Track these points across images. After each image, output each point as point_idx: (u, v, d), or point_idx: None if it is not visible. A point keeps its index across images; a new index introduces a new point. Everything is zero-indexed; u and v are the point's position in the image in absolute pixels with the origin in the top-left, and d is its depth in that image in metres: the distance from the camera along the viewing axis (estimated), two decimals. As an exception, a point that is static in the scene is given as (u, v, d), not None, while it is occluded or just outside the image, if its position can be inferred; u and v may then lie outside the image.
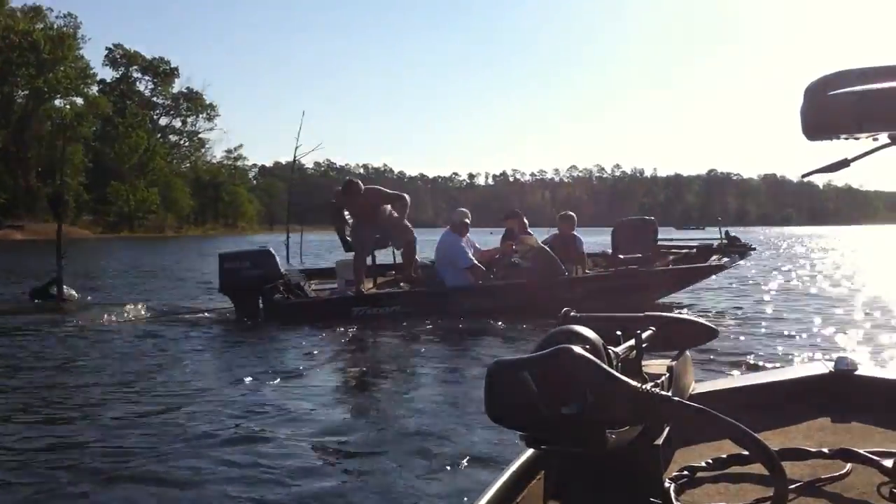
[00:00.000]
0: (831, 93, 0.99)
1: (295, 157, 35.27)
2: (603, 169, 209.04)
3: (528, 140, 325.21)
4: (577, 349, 0.99)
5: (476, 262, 10.38)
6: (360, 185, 10.55)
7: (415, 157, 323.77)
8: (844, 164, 1.10)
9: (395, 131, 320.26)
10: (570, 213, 11.49)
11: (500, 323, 9.20)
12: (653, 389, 1.03)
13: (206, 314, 10.78)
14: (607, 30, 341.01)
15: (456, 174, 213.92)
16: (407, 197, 10.88)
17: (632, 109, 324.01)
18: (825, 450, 1.40)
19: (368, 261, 10.62)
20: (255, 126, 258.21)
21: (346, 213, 10.56)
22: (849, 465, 1.36)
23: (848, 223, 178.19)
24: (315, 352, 7.86)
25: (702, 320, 1.72)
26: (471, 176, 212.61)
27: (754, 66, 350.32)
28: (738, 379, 2.01)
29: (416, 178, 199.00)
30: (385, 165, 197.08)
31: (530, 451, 1.31)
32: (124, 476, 3.98)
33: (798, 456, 1.39)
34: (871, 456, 1.36)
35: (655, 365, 1.47)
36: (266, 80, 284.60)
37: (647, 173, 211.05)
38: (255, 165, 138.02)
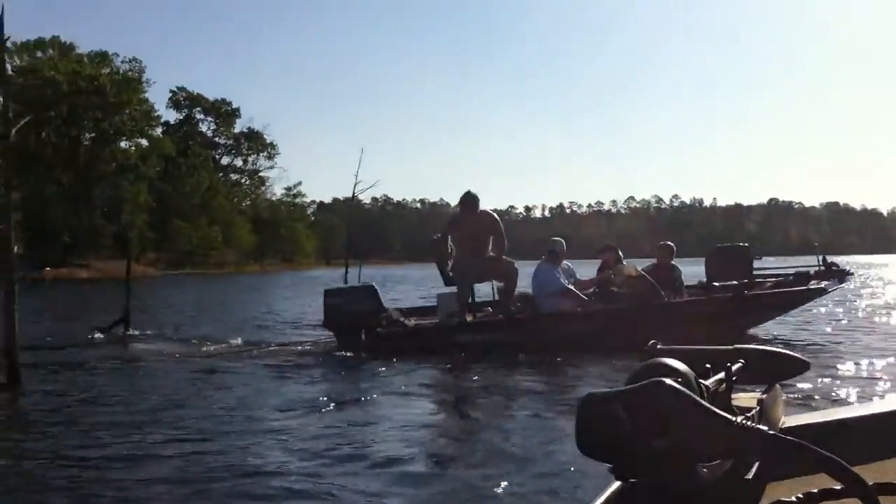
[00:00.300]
0: None
1: (354, 192, 35.36)
2: (661, 199, 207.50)
3: (585, 172, 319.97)
4: (670, 382, 1.00)
5: (570, 287, 10.47)
6: (478, 199, 10.83)
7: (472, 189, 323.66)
8: None
9: (451, 165, 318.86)
10: (669, 242, 11.64)
11: (594, 354, 9.24)
12: (747, 423, 1.02)
13: (307, 347, 11.20)
14: (662, 58, 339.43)
15: (512, 207, 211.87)
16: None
17: (692, 139, 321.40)
18: None
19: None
20: (314, 163, 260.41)
21: (451, 244, 10.80)
22: None
23: None
24: (414, 382, 8.22)
25: (793, 353, 1.71)
26: (527, 209, 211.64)
27: (815, 92, 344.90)
28: (829, 413, 1.93)
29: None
30: (442, 199, 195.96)
31: (617, 485, 1.28)
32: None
33: (894, 491, 1.33)
34: None
35: (745, 398, 1.47)
36: (325, 116, 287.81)
37: (707, 203, 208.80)
38: (313, 202, 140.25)
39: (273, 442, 5.68)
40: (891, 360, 8.68)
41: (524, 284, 11.21)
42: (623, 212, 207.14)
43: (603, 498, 1.26)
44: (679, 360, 1.16)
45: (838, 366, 8.18)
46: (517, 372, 8.79)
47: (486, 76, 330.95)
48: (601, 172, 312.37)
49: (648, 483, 1.06)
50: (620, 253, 11.59)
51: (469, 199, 10.77)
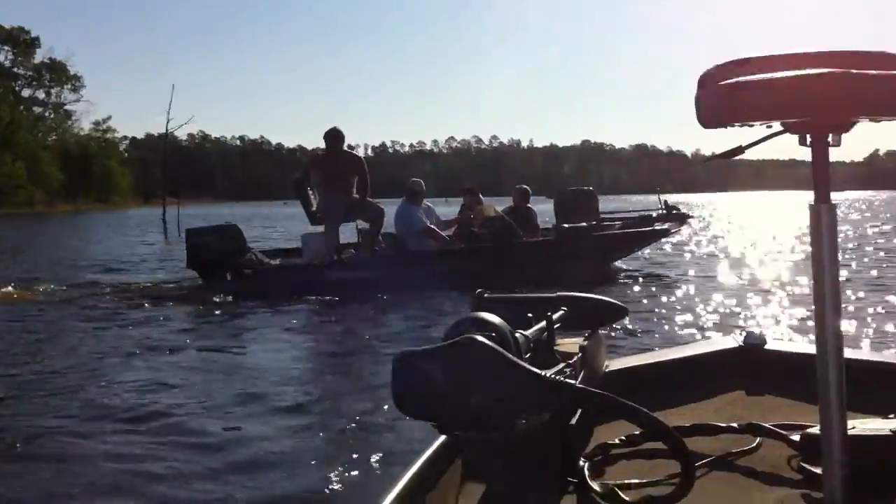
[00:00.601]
0: (727, 82, 0.99)
1: (167, 130, 32.79)
2: (481, 140, 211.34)
3: (406, 112, 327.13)
4: (482, 339, 1.01)
5: (432, 226, 10.59)
6: (343, 136, 10.59)
7: (292, 129, 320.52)
8: (740, 150, 1.12)
9: (271, 103, 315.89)
10: (525, 186, 12.04)
11: (461, 292, 9.06)
12: (555, 377, 1.05)
13: (170, 287, 10.87)
14: (479, 4, 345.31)
15: None
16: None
17: (506, 82, 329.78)
18: (735, 424, 1.43)
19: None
20: (125, 98, 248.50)
21: (314, 182, 10.61)
22: (758, 439, 1.40)
23: (716, 190, 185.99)
24: (281, 324, 8.07)
25: (612, 300, 1.74)
26: (350, 147, 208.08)
27: (625, 41, 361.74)
28: (651, 355, 2.02)
29: (294, 150, 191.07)
30: (262, 137, 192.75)
31: (442, 438, 1.30)
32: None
33: (709, 431, 1.41)
34: (778, 430, 1.40)
35: (568, 344, 1.49)
36: (133, 50, 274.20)
37: (524, 144, 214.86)
38: (125, 138, 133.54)
39: (135, 385, 5.53)
40: (710, 301, 8.89)
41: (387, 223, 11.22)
42: (445, 152, 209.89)
43: (429, 452, 1.30)
44: (504, 309, 1.19)
45: (662, 308, 8.37)
46: (387, 311, 8.79)
47: (302, 19, 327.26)
48: (423, 114, 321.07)
49: (473, 435, 1.07)
50: (480, 195, 11.83)
51: (334, 136, 10.52)
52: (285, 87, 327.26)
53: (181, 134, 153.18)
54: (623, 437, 1.34)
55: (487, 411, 0.98)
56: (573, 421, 1.21)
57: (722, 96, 0.99)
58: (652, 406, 1.14)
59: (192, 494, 3.53)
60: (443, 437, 1.28)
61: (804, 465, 1.29)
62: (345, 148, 10.87)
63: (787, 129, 1.02)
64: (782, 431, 1.39)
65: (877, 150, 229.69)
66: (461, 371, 0.98)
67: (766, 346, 1.86)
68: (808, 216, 1.03)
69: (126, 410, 4.83)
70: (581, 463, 1.23)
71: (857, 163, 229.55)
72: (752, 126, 1.02)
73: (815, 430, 1.19)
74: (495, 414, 0.99)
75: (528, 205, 11.84)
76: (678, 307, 8.50)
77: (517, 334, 1.17)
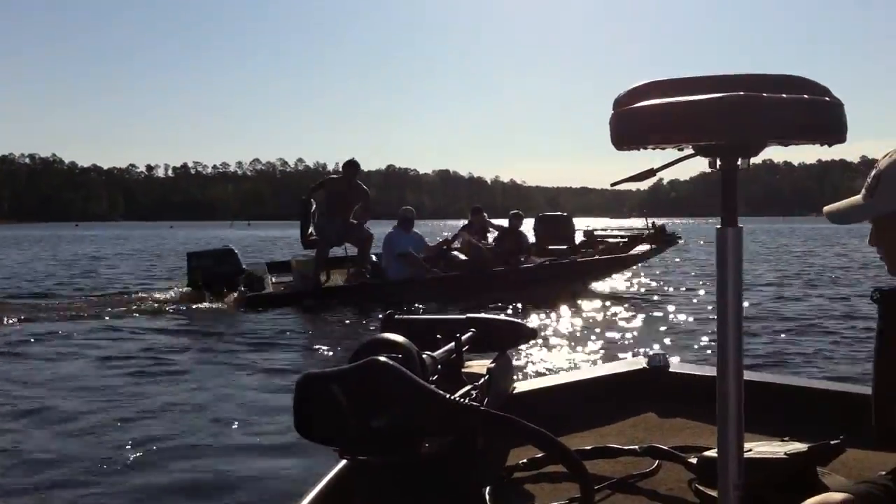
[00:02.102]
0: (639, 104, 0.98)
1: None
2: (286, 163, 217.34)
3: (208, 132, 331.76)
4: (386, 360, 1.01)
5: (410, 251, 11.04)
6: (359, 165, 11.52)
7: (87, 147, 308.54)
8: (651, 173, 1.11)
9: (65, 120, 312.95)
10: (520, 211, 12.52)
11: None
12: (459, 399, 1.06)
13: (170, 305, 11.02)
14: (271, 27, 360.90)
15: (133, 166, 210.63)
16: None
17: (314, 104, 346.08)
18: (635, 447, 1.48)
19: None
20: None
21: (315, 205, 11.28)
22: (657, 462, 1.45)
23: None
24: (270, 335, 8.46)
25: (522, 321, 1.81)
26: (149, 168, 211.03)
27: (430, 67, 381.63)
28: (557, 377, 2.07)
29: (89, 170, 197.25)
30: (54, 156, 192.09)
31: (343, 463, 1.30)
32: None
33: (610, 454, 1.46)
34: (677, 453, 1.45)
35: (477, 366, 1.53)
36: None
37: (330, 167, 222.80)
38: None
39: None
40: (611, 324, 8.87)
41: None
42: (249, 174, 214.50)
43: (328, 478, 1.33)
44: (414, 329, 1.26)
45: (569, 331, 8.25)
46: (359, 329, 8.81)
47: (96, 32, 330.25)
48: (227, 135, 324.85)
49: (375, 459, 1.09)
50: (486, 215, 12.57)
51: (354, 165, 11.33)
52: (80, 103, 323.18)
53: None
54: (526, 461, 1.38)
55: (390, 434, 0.98)
56: (477, 444, 1.20)
57: (633, 119, 0.99)
58: (557, 428, 1.16)
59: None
60: (343, 462, 1.28)
61: (700, 487, 1.33)
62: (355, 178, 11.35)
63: (698, 151, 1.02)
64: (681, 454, 1.43)
65: (661, 179, 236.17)
66: (365, 393, 0.98)
67: (670, 369, 1.91)
68: (716, 238, 1.01)
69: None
70: (484, 487, 1.25)
71: (643, 191, 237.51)
72: (664, 149, 1.02)
73: (712, 452, 1.21)
74: (398, 437, 0.99)
75: (521, 228, 12.30)
76: (588, 328, 8.40)
77: (424, 355, 1.17)
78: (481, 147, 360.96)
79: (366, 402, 0.99)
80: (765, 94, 0.93)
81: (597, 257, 12.00)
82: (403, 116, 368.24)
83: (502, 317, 1.85)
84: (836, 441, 1.37)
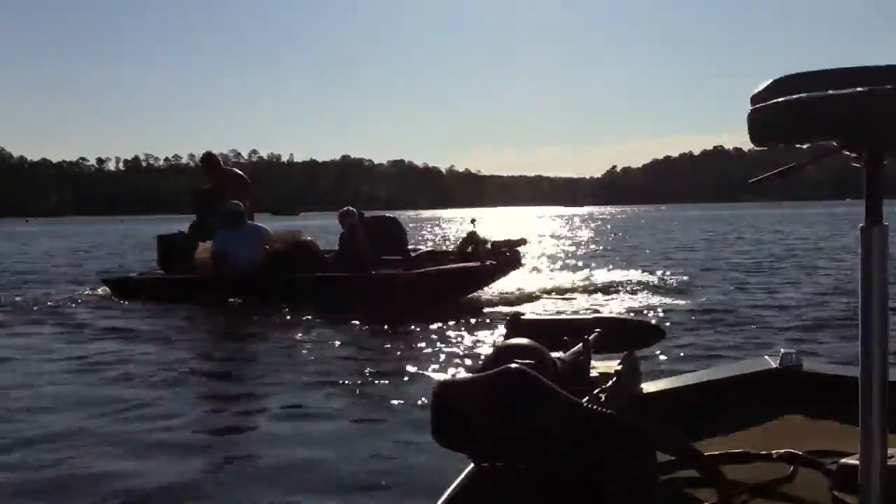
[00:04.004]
0: (782, 99, 0.97)
1: None
2: (240, 154, 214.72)
3: (160, 124, 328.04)
4: (523, 368, 1.01)
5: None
6: (219, 159, 11.03)
7: (34, 140, 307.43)
8: (792, 170, 1.09)
9: (12, 112, 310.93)
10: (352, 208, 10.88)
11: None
12: (596, 408, 1.04)
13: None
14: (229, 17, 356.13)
15: (84, 159, 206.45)
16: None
17: (270, 94, 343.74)
18: (770, 452, 1.40)
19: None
20: None
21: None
22: (792, 468, 1.37)
23: (468, 206, 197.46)
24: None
25: (649, 321, 1.81)
26: (100, 161, 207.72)
27: (385, 56, 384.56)
28: (684, 378, 1.98)
29: (37, 164, 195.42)
30: (2, 150, 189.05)
31: (472, 468, 1.28)
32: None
33: (744, 459, 1.39)
34: (814, 458, 1.37)
35: (603, 367, 1.48)
36: None
37: (284, 158, 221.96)
38: None
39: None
40: (736, 320, 8.01)
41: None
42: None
43: (459, 481, 1.29)
44: (538, 332, 1.24)
45: (692, 329, 7.59)
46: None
47: (37, 22, 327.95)
48: (178, 126, 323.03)
49: (505, 466, 1.08)
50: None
51: (209, 160, 11.00)
52: (27, 95, 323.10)
53: None
54: (660, 464, 1.33)
55: (526, 442, 0.99)
56: (608, 450, 1.16)
57: (776, 114, 0.97)
58: (686, 432, 1.22)
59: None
60: (473, 467, 1.25)
61: (839, 495, 1.26)
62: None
63: (842, 147, 0.98)
64: (818, 460, 1.37)
65: (614, 167, 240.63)
66: (501, 401, 0.98)
67: (804, 369, 1.83)
68: (860, 237, 0.98)
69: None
70: (619, 493, 1.21)
71: (596, 178, 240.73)
72: (805, 145, 0.99)
73: (852, 458, 1.17)
74: (534, 445, 1.00)
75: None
76: (709, 326, 7.75)
77: (555, 358, 1.17)
78: (436, 137, 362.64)
79: (502, 409, 0.99)
80: None
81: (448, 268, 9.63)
82: (358, 106, 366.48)
83: (631, 316, 1.81)
84: None
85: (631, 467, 1.28)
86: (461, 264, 9.60)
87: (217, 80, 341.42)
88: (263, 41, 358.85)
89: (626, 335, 1.63)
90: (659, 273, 12.55)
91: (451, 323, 7.79)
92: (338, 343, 6.97)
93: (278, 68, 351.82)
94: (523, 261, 10.37)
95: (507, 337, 1.26)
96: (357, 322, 8.05)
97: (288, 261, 9.67)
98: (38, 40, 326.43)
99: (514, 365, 1.03)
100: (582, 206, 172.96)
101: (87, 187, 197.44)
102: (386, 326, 7.81)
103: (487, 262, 9.44)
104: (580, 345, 1.34)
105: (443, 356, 6.17)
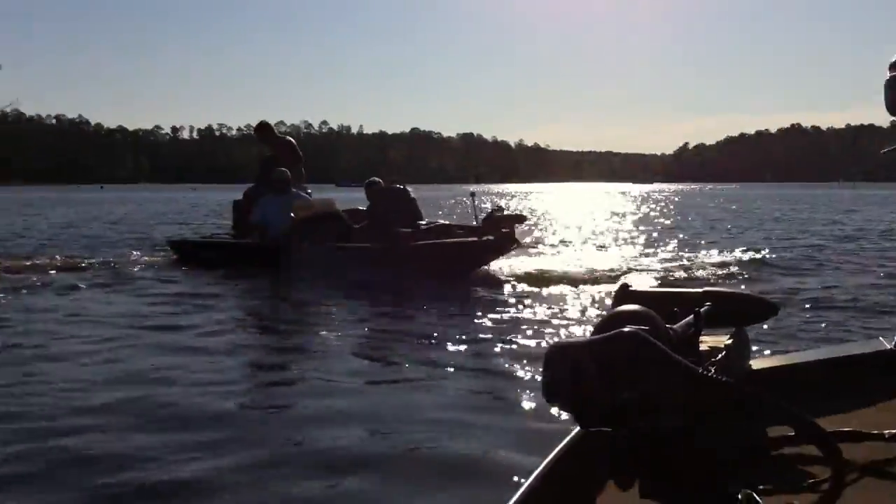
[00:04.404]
0: None
1: None
2: (311, 125, 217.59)
3: (233, 94, 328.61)
4: (641, 332, 1.00)
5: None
6: (273, 127, 11.31)
7: (113, 109, 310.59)
8: None
9: (91, 81, 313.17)
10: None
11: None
12: (713, 374, 1.04)
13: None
14: None
15: (158, 127, 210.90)
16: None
17: (340, 66, 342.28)
18: (884, 433, 1.35)
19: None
20: None
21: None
22: None
23: (535, 181, 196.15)
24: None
25: (763, 296, 1.69)
26: (174, 129, 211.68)
27: (456, 31, 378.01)
28: (794, 356, 1.93)
29: (115, 132, 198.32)
30: (81, 117, 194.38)
31: (578, 431, 1.28)
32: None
33: (856, 438, 1.35)
34: None
35: (712, 342, 1.47)
36: None
37: (354, 130, 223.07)
38: None
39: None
40: (848, 299, 7.81)
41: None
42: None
43: (563, 445, 1.31)
44: (648, 302, 1.20)
45: (799, 306, 7.42)
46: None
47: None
48: (250, 97, 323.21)
49: (611, 431, 1.06)
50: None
51: (265, 128, 11.35)
52: (106, 65, 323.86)
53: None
54: (772, 438, 1.31)
55: (637, 407, 0.98)
56: (718, 420, 1.13)
57: None
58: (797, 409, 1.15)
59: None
60: (579, 431, 1.26)
61: None
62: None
63: None
64: None
65: (686, 144, 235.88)
66: (615, 364, 0.97)
67: None
68: None
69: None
70: (728, 463, 1.19)
71: (667, 155, 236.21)
72: None
73: None
74: (645, 410, 0.99)
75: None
76: (820, 304, 7.58)
77: (668, 328, 1.16)
78: (506, 110, 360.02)
79: (616, 372, 0.97)
80: None
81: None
82: (428, 79, 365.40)
83: (742, 291, 1.79)
84: None
85: (743, 439, 1.27)
86: (451, 239, 9.41)
87: (289, 51, 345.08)
88: (333, 14, 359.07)
89: (737, 310, 1.58)
90: (765, 251, 12.41)
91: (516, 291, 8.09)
92: (378, 316, 7.17)
93: (350, 40, 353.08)
94: (530, 239, 10.27)
95: (614, 307, 1.22)
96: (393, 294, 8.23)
97: (310, 230, 9.65)
98: (116, 13, 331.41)
99: (633, 328, 1.02)
100: (652, 182, 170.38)
101: (162, 156, 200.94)
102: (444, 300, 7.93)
103: (484, 238, 9.04)
104: (690, 317, 1.30)
105: (524, 327, 6.33)
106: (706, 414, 1.07)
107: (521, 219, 9.75)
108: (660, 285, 1.65)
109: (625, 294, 1.45)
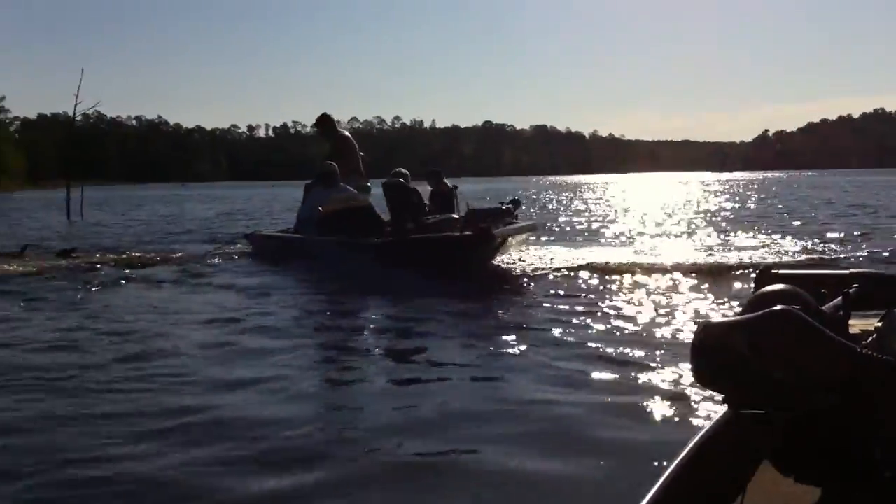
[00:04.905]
0: None
1: (75, 114, 30.75)
2: (384, 121, 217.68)
3: (308, 92, 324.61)
4: (796, 311, 0.96)
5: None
6: (333, 121, 11.52)
7: (191, 109, 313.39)
8: None
9: (170, 83, 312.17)
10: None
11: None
12: (871, 353, 0.99)
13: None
14: None
15: (235, 126, 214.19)
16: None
17: (408, 63, 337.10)
18: None
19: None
20: (19, 79, 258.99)
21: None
22: None
23: (612, 171, 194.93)
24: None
25: None
26: (251, 128, 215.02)
27: (527, 23, 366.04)
28: None
29: (193, 131, 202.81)
30: (160, 117, 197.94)
31: (725, 412, 1.25)
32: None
33: None
34: None
35: (860, 325, 1.39)
36: (33, 32, 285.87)
37: (427, 124, 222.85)
38: (17, 119, 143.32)
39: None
40: None
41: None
42: (347, 132, 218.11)
43: (710, 426, 1.30)
44: (794, 284, 1.17)
45: None
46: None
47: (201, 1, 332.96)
48: (323, 95, 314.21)
49: (758, 412, 1.02)
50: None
51: (326, 121, 11.68)
52: (185, 67, 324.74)
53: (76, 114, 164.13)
54: None
55: (791, 387, 0.94)
56: (874, 404, 1.08)
57: None
58: None
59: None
60: (727, 412, 1.22)
61: None
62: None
63: None
64: None
65: (766, 131, 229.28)
66: (769, 343, 0.94)
67: None
68: None
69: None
70: (876, 445, 1.13)
71: (747, 143, 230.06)
72: None
73: None
74: (796, 388, 0.95)
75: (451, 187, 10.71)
76: None
77: (819, 309, 1.12)
78: (580, 101, 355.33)
79: (769, 352, 0.94)
80: None
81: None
82: (500, 72, 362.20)
83: (890, 272, 1.68)
84: None
85: None
86: (429, 235, 9.19)
87: (362, 49, 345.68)
88: (406, 12, 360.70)
89: (889, 292, 1.46)
90: None
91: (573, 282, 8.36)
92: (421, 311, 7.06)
93: (424, 36, 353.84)
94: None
95: (756, 290, 1.18)
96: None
97: (337, 224, 9.78)
98: (194, 16, 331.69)
99: (786, 307, 0.97)
100: (731, 171, 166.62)
101: (239, 154, 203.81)
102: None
103: (465, 233, 8.72)
104: (839, 298, 1.24)
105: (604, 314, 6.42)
106: (866, 395, 1.02)
107: (507, 212, 9.57)
108: (803, 267, 2.00)
109: (766, 276, 1.41)
